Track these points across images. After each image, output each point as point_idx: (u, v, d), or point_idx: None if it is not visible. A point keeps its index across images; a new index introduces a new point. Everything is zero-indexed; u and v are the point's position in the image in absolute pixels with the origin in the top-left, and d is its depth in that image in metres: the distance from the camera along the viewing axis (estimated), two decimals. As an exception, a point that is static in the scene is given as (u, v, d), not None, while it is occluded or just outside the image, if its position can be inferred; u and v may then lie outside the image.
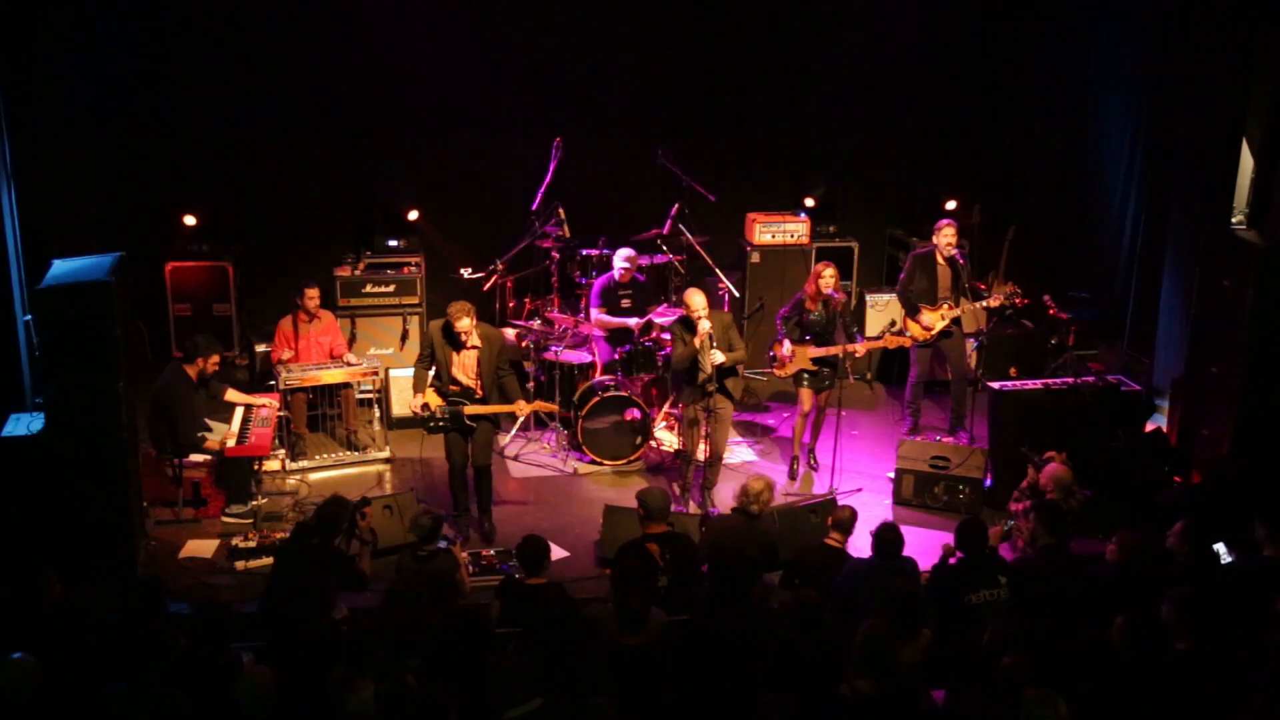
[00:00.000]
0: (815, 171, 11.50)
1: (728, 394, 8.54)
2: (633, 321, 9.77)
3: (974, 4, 11.79)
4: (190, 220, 10.43)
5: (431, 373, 8.27)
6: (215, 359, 8.64)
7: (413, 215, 10.70)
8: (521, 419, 9.71)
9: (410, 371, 9.96)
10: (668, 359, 9.54)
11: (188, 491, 8.52)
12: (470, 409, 8.16)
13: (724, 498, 8.64)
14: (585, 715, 4.85)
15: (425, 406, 8.19)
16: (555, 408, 9.16)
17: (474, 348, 8.15)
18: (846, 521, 6.95)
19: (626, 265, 9.77)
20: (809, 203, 11.35)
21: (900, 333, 9.31)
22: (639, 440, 9.38)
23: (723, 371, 8.36)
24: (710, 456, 8.62)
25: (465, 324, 8.01)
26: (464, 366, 8.20)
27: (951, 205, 11.22)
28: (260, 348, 10.05)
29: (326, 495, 8.62)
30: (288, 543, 7.06)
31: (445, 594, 6.51)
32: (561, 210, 10.11)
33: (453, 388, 8.18)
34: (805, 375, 9.00)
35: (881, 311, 10.91)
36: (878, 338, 9.43)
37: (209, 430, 8.65)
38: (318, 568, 6.52)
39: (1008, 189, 11.92)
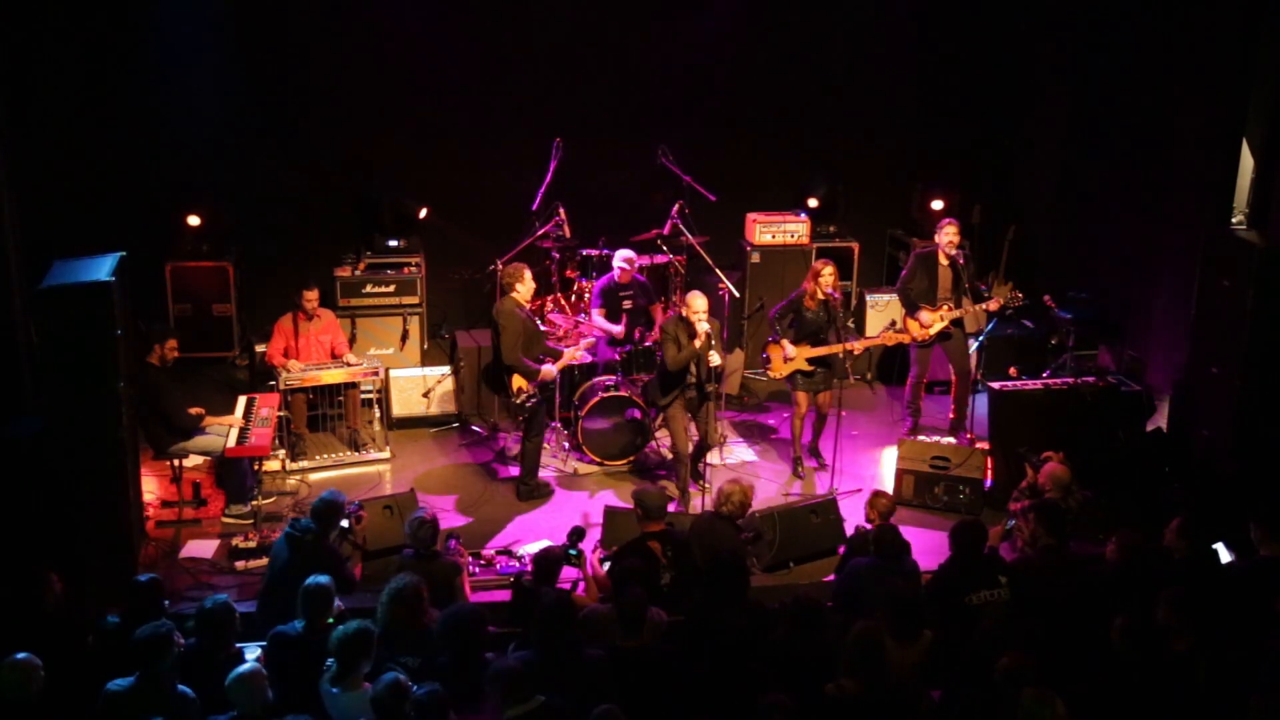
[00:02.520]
0: (815, 171, 11.51)
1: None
2: (618, 330, 9.71)
3: (974, 3, 11.79)
4: (194, 220, 10.43)
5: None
6: (171, 344, 8.49)
7: (422, 214, 10.70)
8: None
9: (418, 371, 10.03)
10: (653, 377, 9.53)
11: (188, 491, 8.53)
12: (546, 372, 8.61)
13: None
14: None
15: (520, 390, 8.54)
16: (588, 358, 9.41)
17: None
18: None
19: (625, 266, 9.76)
20: (812, 203, 11.33)
21: (900, 330, 9.33)
22: (639, 440, 9.38)
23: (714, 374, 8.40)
24: (699, 445, 8.77)
25: (530, 277, 8.59)
26: None
27: (938, 205, 11.24)
28: (260, 347, 10.05)
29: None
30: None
31: (445, 597, 6.53)
32: (562, 210, 10.11)
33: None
34: (800, 376, 9.00)
35: (882, 312, 10.91)
36: (876, 336, 9.44)
37: (205, 432, 8.64)
38: (311, 565, 6.51)
39: (1008, 189, 11.93)
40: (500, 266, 10.03)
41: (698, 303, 8.40)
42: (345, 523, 7.10)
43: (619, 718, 4.84)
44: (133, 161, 10.51)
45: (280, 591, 6.47)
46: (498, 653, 5.65)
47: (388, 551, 7.80)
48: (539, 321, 9.67)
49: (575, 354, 8.94)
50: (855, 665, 5.21)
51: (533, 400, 8.55)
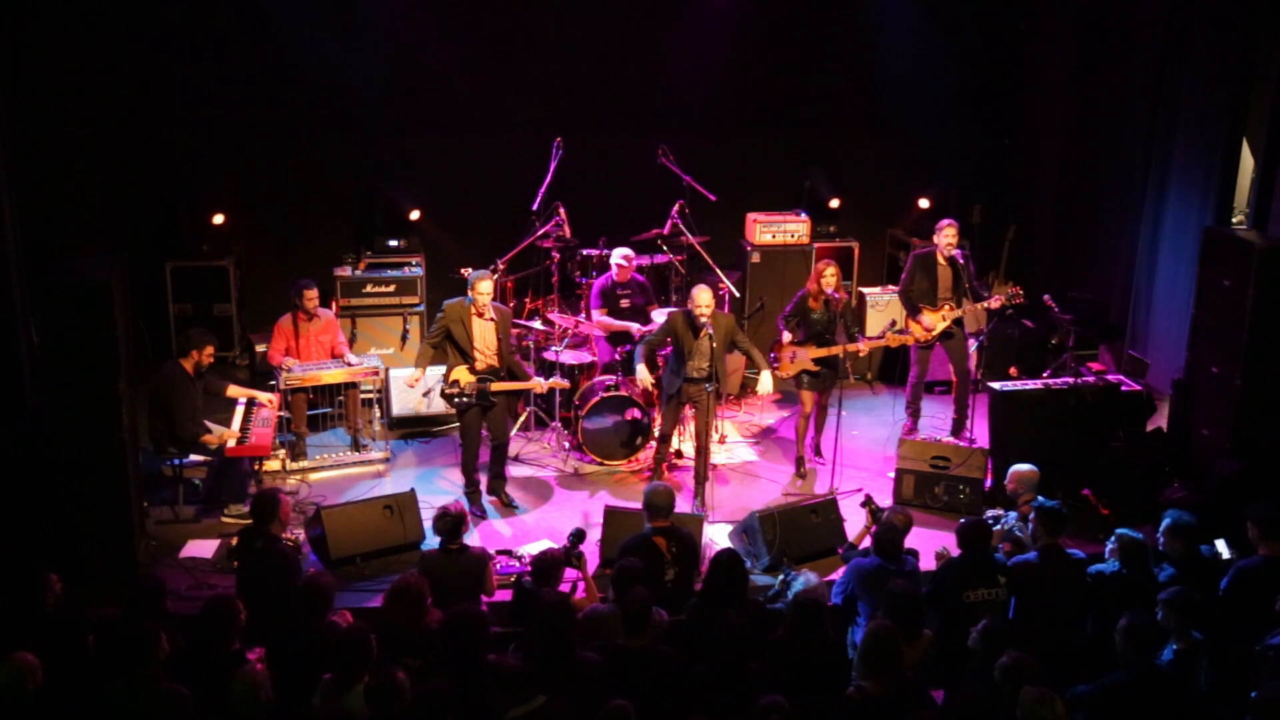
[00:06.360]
0: (816, 171, 11.50)
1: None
2: (635, 328, 9.74)
3: (975, 4, 11.79)
4: (219, 219, 10.38)
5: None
6: (210, 350, 8.53)
7: (414, 215, 10.70)
8: (521, 419, 9.75)
9: (411, 371, 10.01)
10: (667, 358, 9.52)
11: (188, 491, 8.53)
12: (496, 385, 8.41)
13: (720, 498, 8.68)
14: (606, 717, 4.86)
15: (455, 383, 8.40)
16: (567, 384, 9.25)
17: (491, 319, 8.39)
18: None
19: (623, 264, 9.77)
20: (834, 203, 11.29)
21: (902, 331, 9.34)
22: (639, 440, 9.38)
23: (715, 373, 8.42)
24: (698, 447, 8.67)
25: (488, 287, 8.32)
26: (484, 340, 8.40)
27: (924, 204, 11.25)
28: (260, 347, 10.04)
29: (325, 495, 8.71)
30: (238, 548, 7.09)
31: (473, 589, 6.57)
32: (562, 210, 10.11)
33: (477, 364, 8.39)
34: (806, 376, 9.01)
35: (882, 311, 10.92)
36: (879, 336, 9.45)
37: (209, 431, 8.63)
38: (267, 569, 6.53)
39: (1008, 189, 11.93)
40: (501, 266, 10.06)
41: (701, 297, 8.33)
42: None
43: (629, 714, 4.84)
44: (133, 161, 10.50)
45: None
46: (498, 653, 5.64)
47: (387, 551, 7.81)
48: (533, 336, 9.68)
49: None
50: (874, 666, 5.19)
51: (463, 398, 8.40)
